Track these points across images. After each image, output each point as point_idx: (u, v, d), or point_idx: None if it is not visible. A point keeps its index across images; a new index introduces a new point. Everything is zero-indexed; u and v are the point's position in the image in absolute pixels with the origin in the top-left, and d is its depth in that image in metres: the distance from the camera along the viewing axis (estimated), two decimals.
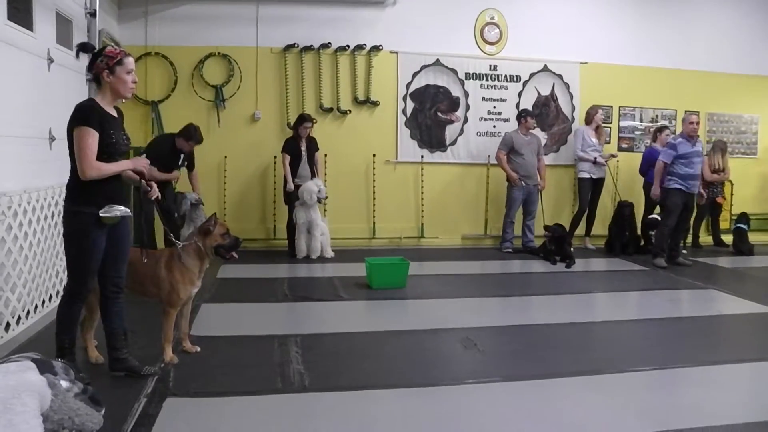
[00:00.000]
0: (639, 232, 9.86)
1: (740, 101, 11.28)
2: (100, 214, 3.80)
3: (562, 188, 10.42)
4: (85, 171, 3.73)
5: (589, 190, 9.77)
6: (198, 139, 7.88)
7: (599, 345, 5.33)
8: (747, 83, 11.21)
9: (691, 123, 8.52)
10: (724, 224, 10.84)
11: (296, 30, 9.43)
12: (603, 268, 8.81)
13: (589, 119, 9.86)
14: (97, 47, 4.51)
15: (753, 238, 10.39)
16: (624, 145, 10.72)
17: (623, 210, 9.68)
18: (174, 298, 4.35)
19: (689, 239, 10.28)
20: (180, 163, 7.98)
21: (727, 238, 10.57)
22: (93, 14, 7.26)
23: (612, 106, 10.61)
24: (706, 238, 10.76)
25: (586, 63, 10.38)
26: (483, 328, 5.65)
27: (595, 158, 9.64)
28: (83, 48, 4.18)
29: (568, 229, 9.37)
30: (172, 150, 7.83)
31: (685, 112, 9.04)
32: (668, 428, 3.62)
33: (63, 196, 4.05)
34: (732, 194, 11.03)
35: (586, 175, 9.72)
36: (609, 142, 10.42)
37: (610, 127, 10.59)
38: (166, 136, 8.18)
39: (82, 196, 3.82)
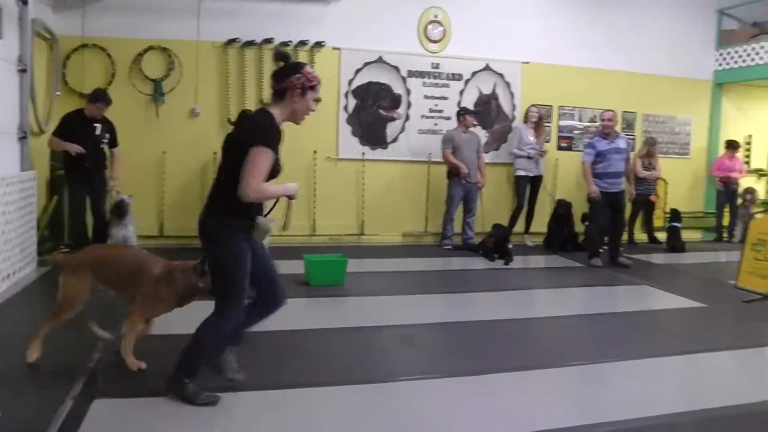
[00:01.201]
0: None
1: (674, 103, 11.61)
2: (261, 225, 3.57)
3: (502, 186, 10.54)
4: (249, 193, 3.40)
5: (525, 188, 9.92)
6: (106, 99, 7.54)
7: (539, 340, 5.44)
8: (681, 86, 11.56)
9: (604, 120, 8.64)
10: (658, 222, 11.14)
11: (238, 24, 9.31)
12: (542, 265, 8.97)
13: (527, 118, 10.02)
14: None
15: (685, 235, 10.70)
16: (563, 144, 10.92)
17: (560, 208, 9.86)
18: (155, 311, 4.25)
19: (625, 237, 10.52)
20: (99, 135, 7.57)
21: (661, 236, 10.86)
22: (25, 2, 7.00)
23: (552, 106, 10.80)
24: (641, 236, 11.04)
25: (527, 63, 10.53)
26: (423, 324, 5.71)
27: (529, 153, 9.79)
28: (283, 57, 3.77)
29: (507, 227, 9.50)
30: (84, 121, 7.46)
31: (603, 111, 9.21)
32: (604, 420, 3.77)
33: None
34: (666, 193, 11.33)
35: (523, 173, 9.89)
36: (549, 141, 10.57)
37: (549, 126, 10.75)
38: (74, 110, 7.69)
39: (237, 209, 3.52)
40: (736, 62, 11.60)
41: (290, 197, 3.75)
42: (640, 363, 4.86)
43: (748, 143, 12.32)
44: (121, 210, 7.36)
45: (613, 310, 6.61)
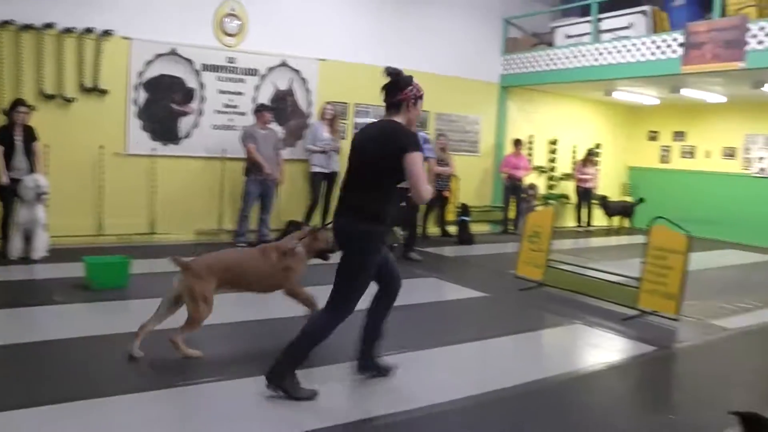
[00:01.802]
0: None
1: (465, 103, 12.27)
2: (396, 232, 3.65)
3: (298, 182, 10.56)
4: (425, 195, 3.80)
5: (320, 184, 10.03)
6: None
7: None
8: (471, 87, 12.24)
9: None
10: (450, 216, 11.70)
11: (14, 5, 8.49)
12: (331, 261, 9.04)
13: (322, 115, 10.13)
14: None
15: (475, 228, 11.34)
16: None
17: None
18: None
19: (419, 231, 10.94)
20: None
21: (454, 229, 11.43)
22: None
23: (348, 103, 10.98)
24: (434, 230, 11.55)
25: (324, 60, 10.63)
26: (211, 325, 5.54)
27: (323, 148, 9.96)
28: (394, 72, 4.03)
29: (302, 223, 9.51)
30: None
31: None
32: (405, 408, 3.98)
33: None
34: (458, 188, 11.92)
35: (318, 170, 10.00)
36: (344, 138, 10.73)
37: (345, 123, 10.92)
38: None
39: (382, 217, 3.93)
40: (518, 68, 12.45)
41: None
42: (434, 352, 5.17)
43: (530, 143, 13.29)
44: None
45: (405, 303, 6.78)
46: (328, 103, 10.25)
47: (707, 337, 6.17)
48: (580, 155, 14.05)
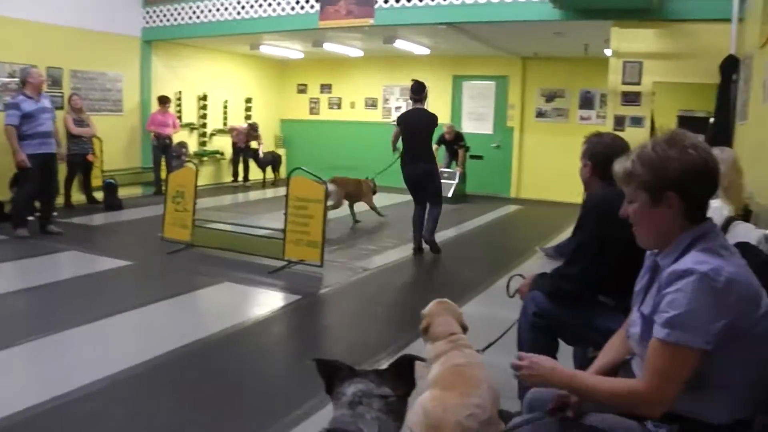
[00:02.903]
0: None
1: (104, 60, 11.38)
2: None
3: None
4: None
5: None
6: None
7: None
8: (110, 42, 11.38)
9: (34, 78, 7.99)
10: (97, 181, 10.88)
11: None
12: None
13: None
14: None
15: (125, 192, 10.73)
16: None
17: None
18: None
19: (62, 200, 10.00)
20: None
21: (100, 195, 10.67)
22: None
23: None
24: (79, 197, 10.64)
25: None
26: None
27: None
28: (418, 82, 7.79)
29: None
30: None
31: (25, 67, 8.48)
32: (72, 388, 3.75)
33: None
34: (102, 151, 11.11)
35: None
36: None
37: None
38: None
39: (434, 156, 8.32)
40: (161, 21, 11.89)
41: None
42: (81, 330, 4.84)
43: (179, 99, 12.88)
44: None
45: (44, 282, 6.18)
46: None
47: (349, 279, 6.61)
48: (235, 112, 14.06)
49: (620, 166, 1.96)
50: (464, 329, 3.00)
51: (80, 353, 4.44)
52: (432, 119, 7.66)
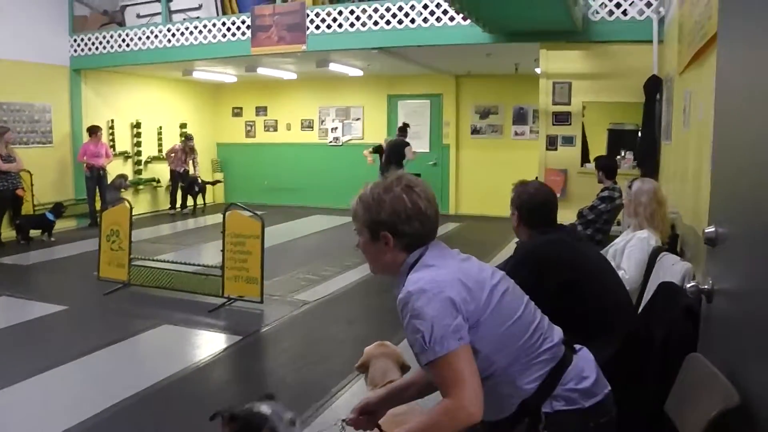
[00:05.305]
0: None
1: (31, 90, 11.11)
2: None
3: None
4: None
5: None
6: None
7: None
8: (37, 72, 11.13)
9: None
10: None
11: None
12: None
13: None
14: None
15: (60, 225, 10.52)
16: None
17: None
18: None
19: None
20: None
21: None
22: None
23: None
24: (10, 234, 10.31)
25: None
26: None
27: None
28: (404, 125, 11.47)
29: None
30: None
31: None
32: None
33: None
34: (32, 184, 10.82)
35: None
36: None
37: None
38: None
39: None
40: (90, 50, 11.67)
41: None
42: (15, 388, 4.65)
43: (112, 128, 12.65)
44: None
45: None
46: None
47: (291, 314, 6.59)
48: (170, 138, 13.88)
49: (351, 203, 2.16)
50: (405, 370, 3.00)
51: (17, 413, 4.29)
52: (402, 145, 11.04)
